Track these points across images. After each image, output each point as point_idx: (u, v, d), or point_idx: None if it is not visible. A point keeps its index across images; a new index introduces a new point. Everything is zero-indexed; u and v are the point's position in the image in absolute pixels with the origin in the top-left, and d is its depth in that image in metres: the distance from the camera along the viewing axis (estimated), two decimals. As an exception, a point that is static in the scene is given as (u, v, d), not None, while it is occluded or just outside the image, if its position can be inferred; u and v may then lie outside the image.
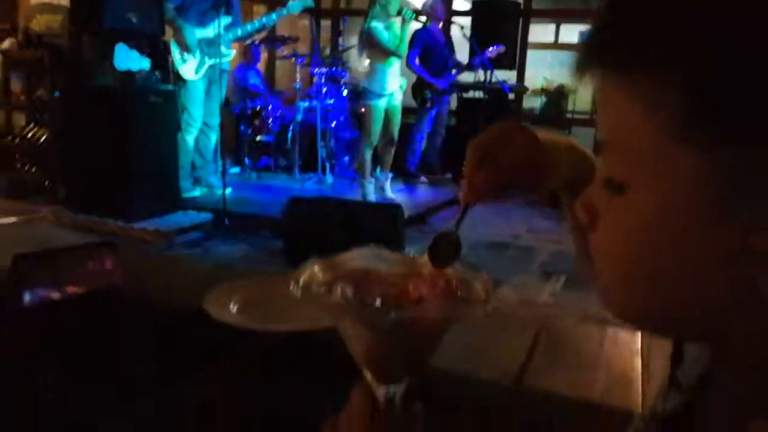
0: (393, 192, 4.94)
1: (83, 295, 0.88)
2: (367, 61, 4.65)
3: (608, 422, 0.54)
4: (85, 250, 0.89)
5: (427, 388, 0.56)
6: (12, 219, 3.82)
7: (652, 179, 0.38)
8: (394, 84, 4.62)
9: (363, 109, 4.69)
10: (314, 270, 0.52)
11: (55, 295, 0.90)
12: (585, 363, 0.82)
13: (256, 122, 5.56)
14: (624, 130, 0.39)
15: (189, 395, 0.68)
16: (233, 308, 0.88)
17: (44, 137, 4.68)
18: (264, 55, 6.56)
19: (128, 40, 3.84)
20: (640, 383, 0.79)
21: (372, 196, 4.69)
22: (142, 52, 3.93)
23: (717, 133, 0.34)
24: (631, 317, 0.43)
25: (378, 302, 0.47)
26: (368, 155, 4.68)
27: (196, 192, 4.58)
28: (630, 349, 0.86)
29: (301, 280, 0.51)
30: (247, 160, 5.65)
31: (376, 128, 4.58)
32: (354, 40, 5.17)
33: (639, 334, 0.90)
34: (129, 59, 3.87)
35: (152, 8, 3.98)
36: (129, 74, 3.93)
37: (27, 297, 0.89)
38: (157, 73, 4.09)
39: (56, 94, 4.47)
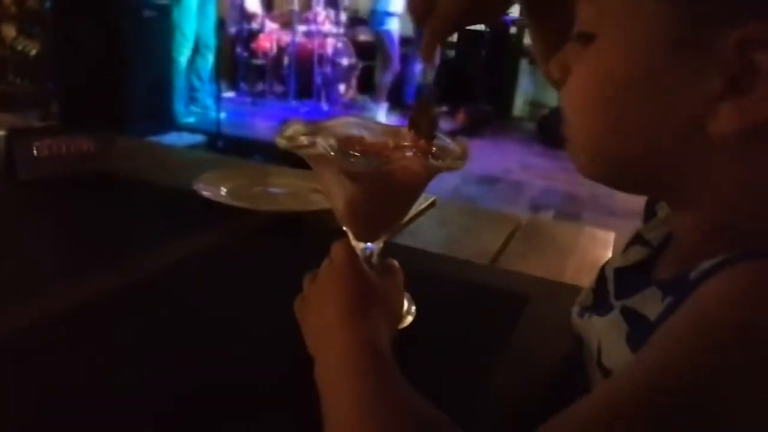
0: (388, 122, 4.92)
1: (79, 172, 0.90)
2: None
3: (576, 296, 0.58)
4: (82, 130, 0.90)
5: (406, 262, 0.59)
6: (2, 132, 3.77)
7: (617, 26, 0.39)
8: (402, 4, 4.50)
9: (374, 36, 4.57)
10: (298, 127, 0.54)
11: (51, 170, 0.92)
12: (559, 251, 0.86)
13: (253, 45, 5.45)
14: None
15: (182, 259, 0.71)
16: (223, 191, 0.91)
17: (35, 50, 4.58)
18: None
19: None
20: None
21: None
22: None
23: None
24: (598, 172, 0.44)
25: (358, 153, 0.50)
26: (387, 80, 4.59)
27: (191, 118, 4.52)
28: (603, 244, 0.90)
29: (286, 133, 0.53)
30: (242, 85, 5.57)
31: (395, 52, 4.48)
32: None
33: (613, 234, 0.94)
34: (122, -31, 3.75)
35: None
36: (122, -14, 3.82)
37: (22, 171, 0.91)
38: (150, -14, 3.97)
39: (47, 5, 4.34)
